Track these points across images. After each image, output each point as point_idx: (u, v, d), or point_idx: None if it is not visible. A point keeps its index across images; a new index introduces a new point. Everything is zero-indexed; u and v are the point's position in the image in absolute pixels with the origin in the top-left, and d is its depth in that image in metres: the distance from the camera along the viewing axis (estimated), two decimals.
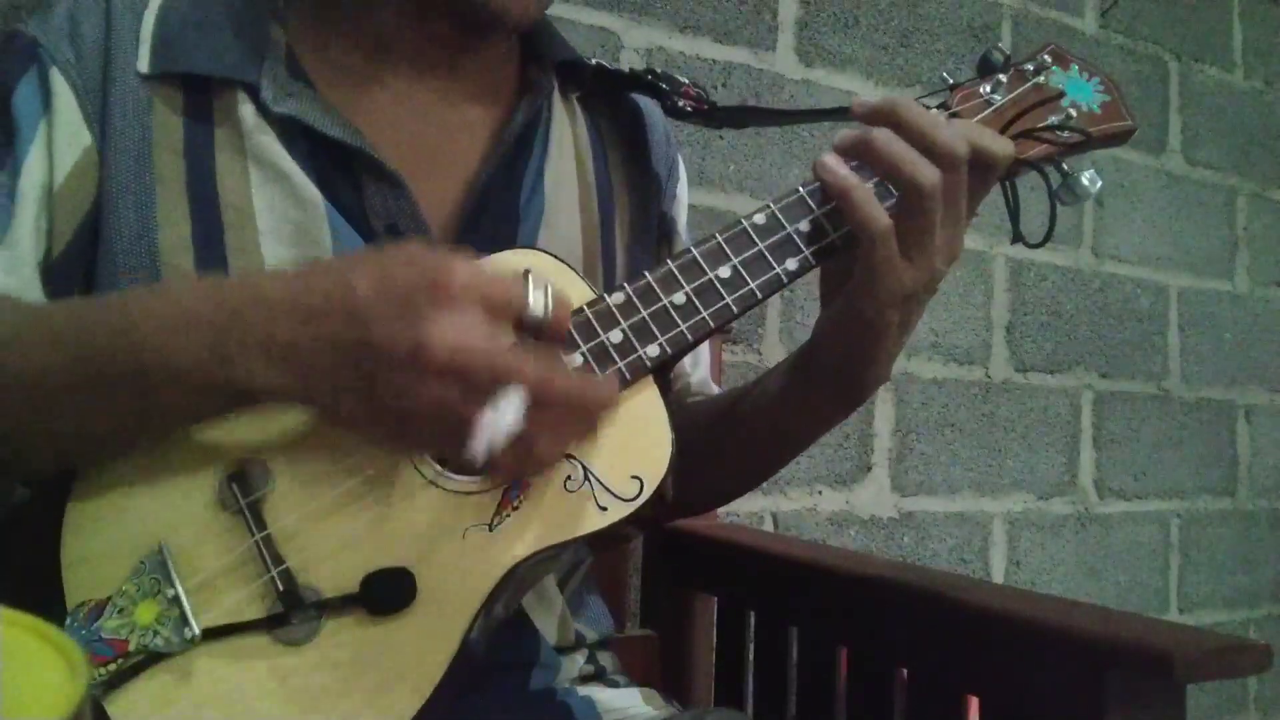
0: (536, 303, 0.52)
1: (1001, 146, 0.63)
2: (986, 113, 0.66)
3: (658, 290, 0.60)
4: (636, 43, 1.34)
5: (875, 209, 0.59)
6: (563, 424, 0.52)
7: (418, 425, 0.50)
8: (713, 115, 0.75)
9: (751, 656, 0.98)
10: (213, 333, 0.51)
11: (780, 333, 1.46)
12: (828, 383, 0.69)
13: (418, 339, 0.48)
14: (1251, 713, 1.98)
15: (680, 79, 0.76)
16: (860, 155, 0.61)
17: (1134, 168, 1.86)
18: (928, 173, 0.58)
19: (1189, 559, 1.91)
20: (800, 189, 0.64)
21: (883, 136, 0.60)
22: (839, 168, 0.61)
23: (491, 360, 0.48)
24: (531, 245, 0.69)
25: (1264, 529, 2.02)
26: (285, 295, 0.51)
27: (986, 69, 0.68)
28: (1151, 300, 1.88)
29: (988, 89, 0.66)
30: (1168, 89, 1.92)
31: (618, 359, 0.58)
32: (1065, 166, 0.67)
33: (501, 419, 0.48)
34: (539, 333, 0.53)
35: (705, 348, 0.89)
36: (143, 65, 0.64)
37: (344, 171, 0.65)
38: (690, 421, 0.76)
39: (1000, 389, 1.68)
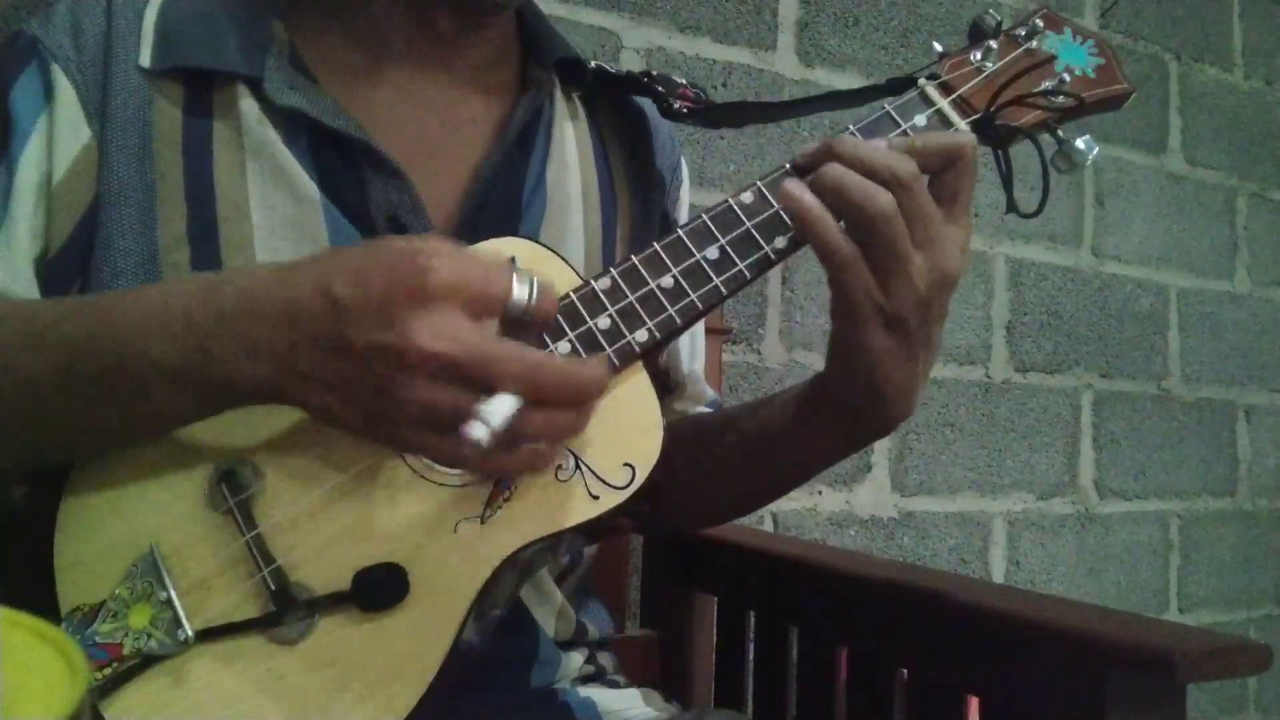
0: (520, 292, 0.51)
1: (952, 139, 0.58)
2: (977, 80, 0.64)
3: (644, 273, 0.59)
4: (636, 43, 1.34)
5: (837, 237, 0.56)
6: (554, 416, 0.51)
7: (407, 425, 0.50)
8: (708, 115, 0.74)
9: (751, 656, 0.97)
10: (196, 333, 0.51)
11: (780, 333, 1.46)
12: (833, 413, 0.65)
13: (399, 342, 0.47)
14: (1251, 713, 1.98)
15: (677, 80, 0.75)
16: (815, 190, 0.57)
17: (1134, 168, 1.86)
18: (879, 199, 0.55)
19: (1189, 559, 1.91)
20: (788, 165, 0.61)
21: (830, 171, 0.57)
22: (801, 193, 0.57)
23: (475, 357, 0.48)
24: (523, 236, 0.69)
25: (1264, 529, 2.02)
26: (266, 294, 0.50)
27: (977, 35, 0.66)
28: (1151, 300, 1.88)
29: (979, 56, 0.64)
30: (1168, 89, 1.91)
31: (606, 345, 0.57)
32: (1060, 133, 0.65)
33: (491, 417, 0.48)
34: (525, 322, 0.52)
35: (703, 343, 0.89)
36: (144, 60, 0.64)
37: (346, 164, 0.65)
38: (683, 439, 0.74)
39: (1000, 389, 1.68)
